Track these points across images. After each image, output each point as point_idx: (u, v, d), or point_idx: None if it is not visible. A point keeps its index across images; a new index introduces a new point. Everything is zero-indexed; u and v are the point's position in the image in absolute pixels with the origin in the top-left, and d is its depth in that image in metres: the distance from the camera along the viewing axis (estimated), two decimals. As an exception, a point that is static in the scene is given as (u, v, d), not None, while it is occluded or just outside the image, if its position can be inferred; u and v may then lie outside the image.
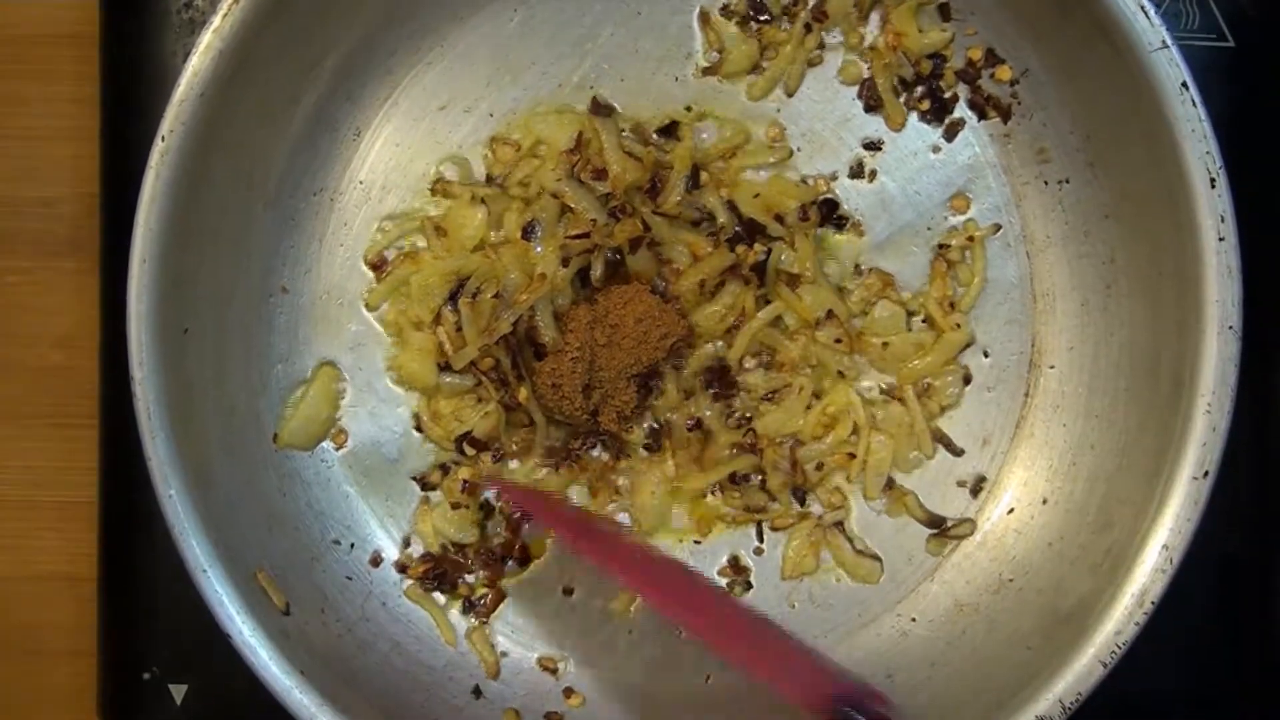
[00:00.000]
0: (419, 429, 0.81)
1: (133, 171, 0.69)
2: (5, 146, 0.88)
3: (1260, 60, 0.82)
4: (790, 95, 0.81)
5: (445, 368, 0.79)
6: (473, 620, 0.79)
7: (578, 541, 0.77)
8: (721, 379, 0.79)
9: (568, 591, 0.80)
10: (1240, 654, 0.82)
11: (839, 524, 0.80)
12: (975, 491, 0.81)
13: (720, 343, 0.80)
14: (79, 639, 0.86)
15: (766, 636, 0.76)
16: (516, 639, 0.80)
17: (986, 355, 0.80)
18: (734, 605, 0.78)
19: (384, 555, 0.80)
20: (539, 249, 0.78)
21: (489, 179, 0.81)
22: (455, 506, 0.79)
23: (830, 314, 0.79)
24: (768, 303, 0.79)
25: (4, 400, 0.88)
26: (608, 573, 0.76)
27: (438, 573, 0.79)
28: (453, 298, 0.78)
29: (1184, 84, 0.67)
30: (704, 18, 0.80)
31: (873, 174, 0.80)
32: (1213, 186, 0.67)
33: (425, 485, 0.80)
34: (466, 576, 0.80)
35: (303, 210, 0.80)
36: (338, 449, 0.80)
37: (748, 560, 0.80)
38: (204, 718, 0.82)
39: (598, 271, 0.77)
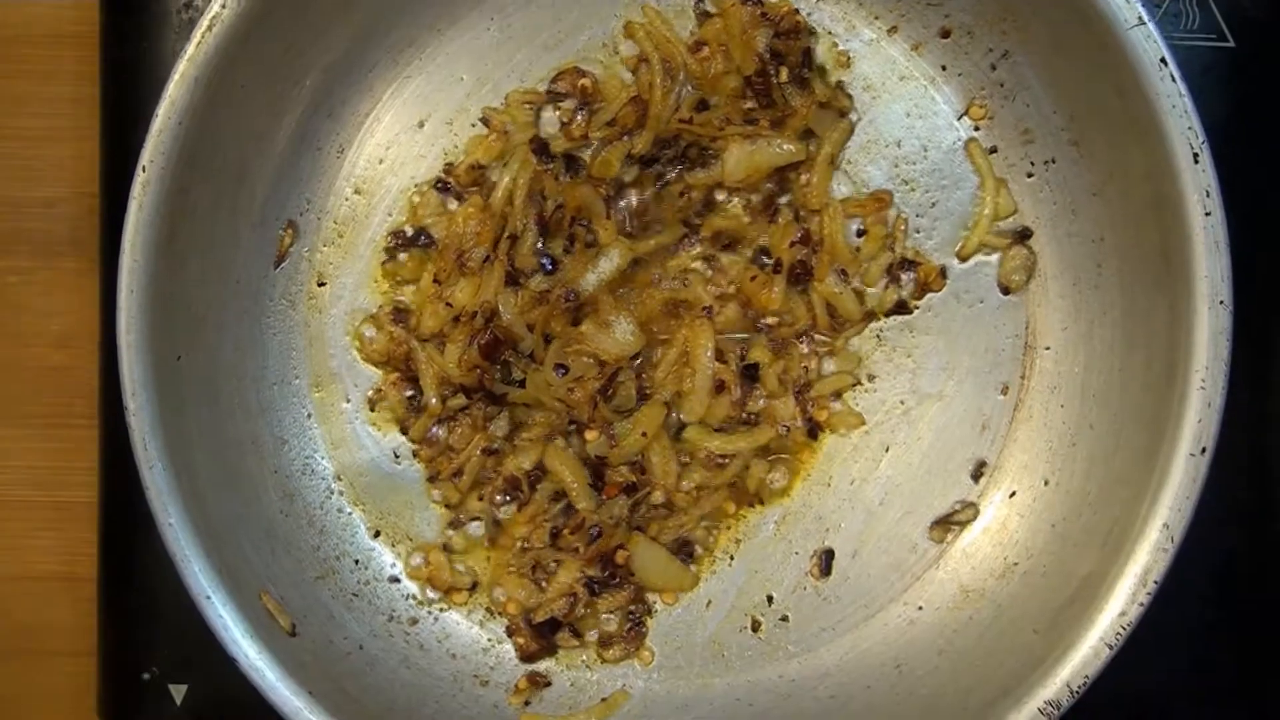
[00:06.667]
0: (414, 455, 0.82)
1: (132, 172, 0.69)
2: (5, 146, 0.88)
3: (1260, 60, 0.82)
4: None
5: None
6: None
7: None
8: None
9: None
10: (1240, 652, 0.82)
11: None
12: (976, 476, 0.80)
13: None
14: (79, 639, 0.86)
15: None
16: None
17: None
18: None
19: (389, 570, 0.81)
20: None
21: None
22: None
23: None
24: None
25: (4, 400, 0.89)
26: None
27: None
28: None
29: (1162, 59, 0.67)
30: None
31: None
32: (1196, 161, 0.67)
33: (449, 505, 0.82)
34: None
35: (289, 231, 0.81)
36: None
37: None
38: (204, 718, 0.83)
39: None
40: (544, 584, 0.79)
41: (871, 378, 0.81)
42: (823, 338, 0.81)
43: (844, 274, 0.80)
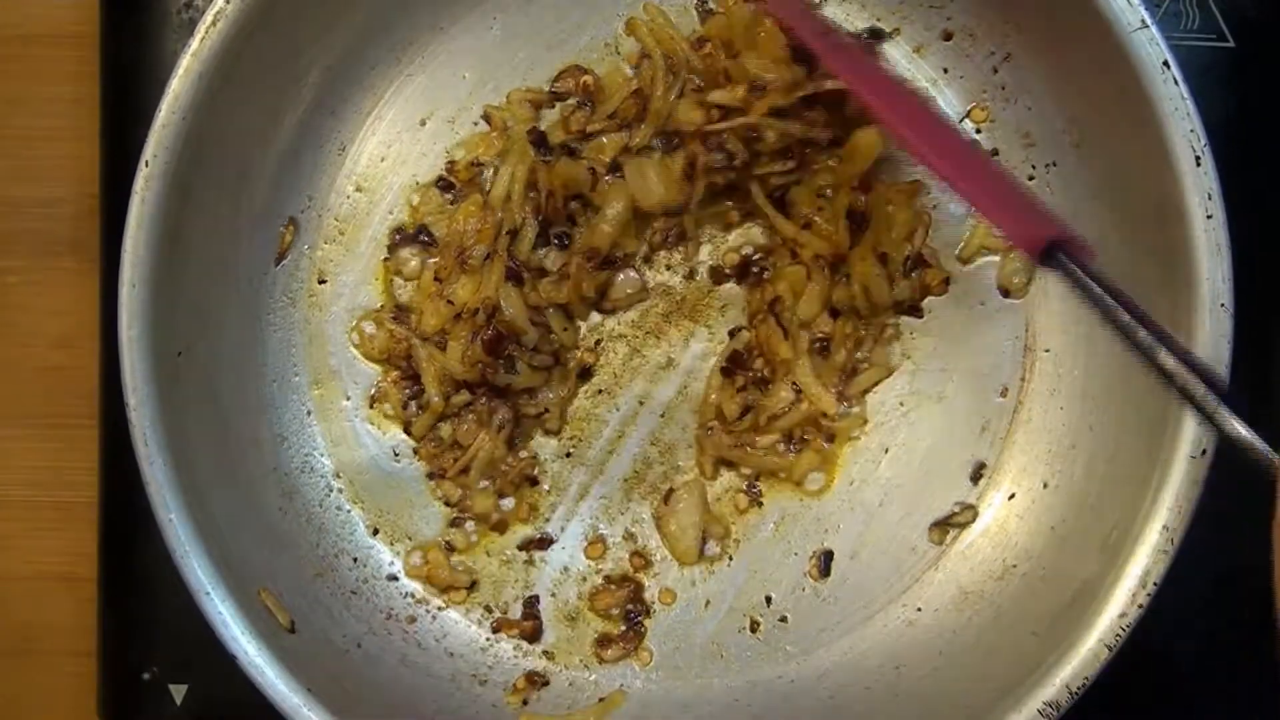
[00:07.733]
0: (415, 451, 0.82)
1: (132, 172, 0.69)
2: (5, 146, 0.88)
3: (1260, 60, 0.82)
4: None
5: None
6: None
7: (831, 61, 0.73)
8: None
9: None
10: (1240, 655, 0.82)
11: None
12: (975, 478, 0.80)
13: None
14: (79, 639, 0.86)
15: (996, 177, 0.74)
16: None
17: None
18: (969, 144, 0.78)
19: (387, 568, 0.81)
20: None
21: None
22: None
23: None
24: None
25: (4, 400, 0.88)
26: (858, 95, 0.73)
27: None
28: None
29: (1165, 63, 0.67)
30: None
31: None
32: (1198, 164, 0.67)
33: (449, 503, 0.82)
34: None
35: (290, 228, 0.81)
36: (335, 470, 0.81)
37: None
38: (204, 718, 0.82)
39: None
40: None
41: (871, 379, 0.82)
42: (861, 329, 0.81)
43: (883, 259, 0.79)
